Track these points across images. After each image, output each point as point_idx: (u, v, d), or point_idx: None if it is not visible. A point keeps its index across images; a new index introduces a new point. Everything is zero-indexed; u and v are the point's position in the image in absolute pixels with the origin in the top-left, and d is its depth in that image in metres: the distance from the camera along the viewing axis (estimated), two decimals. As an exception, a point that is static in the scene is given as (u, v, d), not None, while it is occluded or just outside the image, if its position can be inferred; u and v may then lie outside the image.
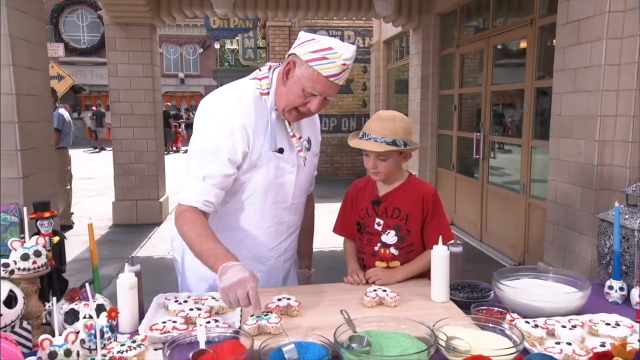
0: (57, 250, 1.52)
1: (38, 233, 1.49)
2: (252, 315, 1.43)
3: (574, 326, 1.39)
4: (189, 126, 21.01)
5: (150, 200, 7.16)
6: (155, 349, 1.37)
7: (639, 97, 3.33)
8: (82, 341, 1.27)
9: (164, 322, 1.44)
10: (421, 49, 7.22)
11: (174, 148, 20.01)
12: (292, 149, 1.76)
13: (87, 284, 1.34)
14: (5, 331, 1.26)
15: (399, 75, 9.58)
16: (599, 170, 3.55)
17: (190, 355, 1.23)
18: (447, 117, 6.98)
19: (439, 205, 1.87)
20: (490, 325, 1.35)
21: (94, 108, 21.68)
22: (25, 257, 1.35)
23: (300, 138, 1.77)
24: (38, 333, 1.40)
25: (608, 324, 1.39)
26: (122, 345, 1.28)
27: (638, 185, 1.70)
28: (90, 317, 1.35)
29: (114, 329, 1.35)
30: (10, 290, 1.28)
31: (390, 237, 1.85)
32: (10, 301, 1.28)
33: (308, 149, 1.83)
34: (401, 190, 1.87)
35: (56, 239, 1.51)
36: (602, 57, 3.46)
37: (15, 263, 1.34)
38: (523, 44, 5.25)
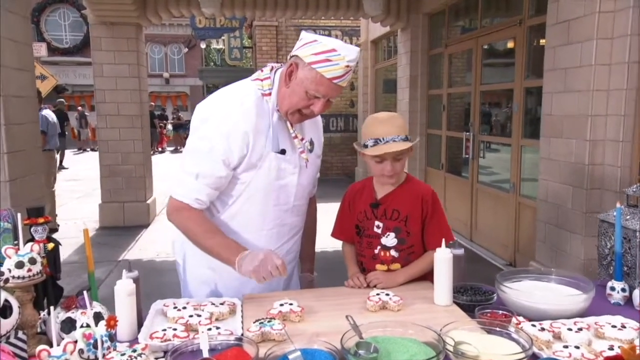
0: (52, 257, 1.48)
1: (32, 239, 1.44)
2: (254, 322, 1.40)
3: (580, 329, 1.38)
4: (178, 127, 20.85)
5: (138, 202, 7.07)
6: (156, 358, 1.33)
7: (629, 97, 3.36)
8: (81, 351, 1.23)
9: (164, 330, 1.40)
10: (409, 49, 7.23)
11: (159, 149, 19.82)
12: (294, 150, 1.73)
13: (85, 292, 1.30)
14: (0, 342, 1.21)
15: (387, 75, 9.59)
16: (590, 169, 3.57)
17: (194, 364, 1.20)
18: (436, 117, 7.00)
19: (438, 206, 1.85)
20: (497, 329, 1.33)
21: (79, 108, 21.38)
22: (19, 265, 1.30)
23: (302, 139, 1.74)
24: (33, 343, 1.35)
25: (614, 327, 1.39)
26: (123, 355, 1.24)
27: (638, 186, 1.70)
28: (88, 325, 1.31)
29: (113, 337, 1.31)
30: (5, 300, 1.24)
31: (390, 240, 1.83)
32: (5, 311, 1.24)
33: (310, 151, 1.81)
34: (399, 191, 1.85)
35: (51, 245, 1.46)
36: (593, 57, 3.48)
37: (10, 271, 1.29)
38: (512, 44, 5.27)
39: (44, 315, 1.44)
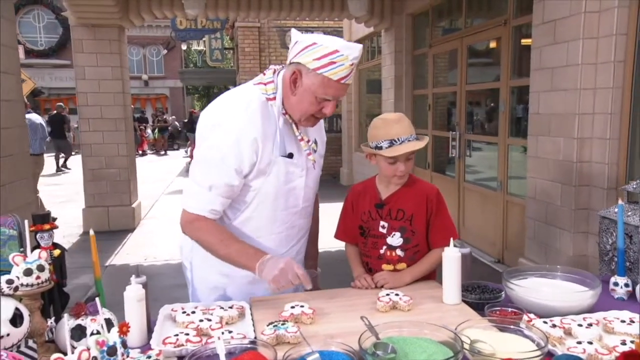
0: (58, 264, 1.45)
1: (38, 246, 1.41)
2: (268, 325, 1.39)
3: (590, 325, 1.40)
4: (163, 130, 20.65)
5: (123, 206, 6.97)
6: (170, 364, 1.31)
7: (616, 95, 3.43)
8: (94, 359, 1.21)
9: (176, 335, 1.38)
10: (394, 49, 7.27)
11: (140, 152, 19.59)
12: (301, 152, 1.72)
13: (97, 299, 1.28)
14: (11, 351, 1.18)
15: (370, 76, 9.63)
16: (579, 166, 3.63)
17: (212, 369, 1.18)
18: (421, 117, 7.05)
19: (443, 204, 1.87)
20: (512, 327, 1.34)
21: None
22: (28, 272, 1.27)
23: (308, 141, 1.73)
24: (42, 351, 1.33)
25: (623, 321, 1.41)
26: (138, 361, 1.22)
27: (638, 183, 1.74)
28: (98, 332, 1.29)
29: (125, 344, 1.29)
30: (16, 308, 1.21)
31: (395, 239, 1.83)
32: (15, 319, 1.21)
33: (315, 151, 1.80)
34: (404, 191, 1.86)
35: (57, 252, 1.43)
36: (579, 56, 3.55)
37: (19, 279, 1.26)
38: (497, 44, 5.34)
39: (51, 323, 1.41)
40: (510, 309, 1.50)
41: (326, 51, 1.54)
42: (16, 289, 1.24)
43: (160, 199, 9.36)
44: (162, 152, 20.22)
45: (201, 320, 1.48)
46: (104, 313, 1.39)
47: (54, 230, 1.45)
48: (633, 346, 1.25)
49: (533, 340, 1.29)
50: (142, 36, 25.24)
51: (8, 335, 1.16)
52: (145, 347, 1.37)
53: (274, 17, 7.41)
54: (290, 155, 1.68)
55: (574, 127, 3.62)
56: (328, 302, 1.63)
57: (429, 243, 1.87)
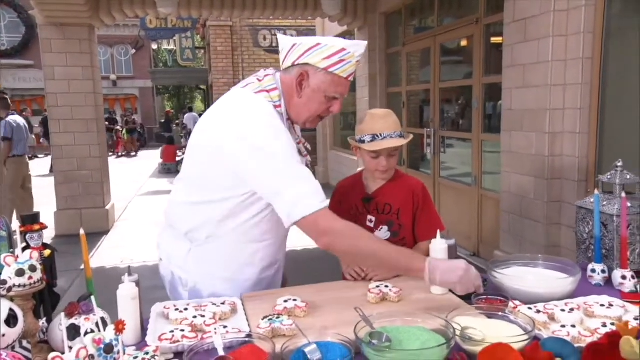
0: (49, 264, 1.44)
1: (27, 247, 1.40)
2: (263, 319, 1.41)
3: (572, 309, 1.46)
4: (132, 131, 20.34)
5: (96, 208, 6.85)
6: (167, 360, 1.32)
7: (584, 91, 3.55)
8: (91, 357, 1.21)
9: (172, 332, 1.39)
10: (367, 48, 7.31)
11: (117, 153, 19.35)
12: (300, 154, 1.74)
13: (92, 297, 1.27)
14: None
15: (344, 74, 9.66)
16: (550, 160, 3.75)
17: (211, 363, 1.19)
18: (396, 114, 7.11)
19: (428, 198, 1.92)
20: (499, 314, 1.39)
21: (24, 114, 20.44)
22: (20, 273, 1.26)
23: (304, 143, 1.76)
24: (35, 352, 1.32)
25: (602, 305, 1.48)
26: (135, 358, 1.23)
27: (613, 174, 1.81)
28: (93, 331, 1.28)
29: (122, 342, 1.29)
30: (10, 309, 1.20)
31: (383, 233, 1.87)
32: (9, 320, 1.20)
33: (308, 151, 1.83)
34: (390, 186, 1.90)
35: (47, 252, 1.42)
36: (549, 53, 3.66)
37: (11, 279, 1.25)
38: (469, 42, 5.45)
39: (43, 323, 1.40)
40: (496, 297, 1.55)
41: (334, 50, 1.56)
42: (9, 289, 1.23)
43: (133, 201, 9.23)
44: (133, 154, 19.92)
45: (195, 317, 1.48)
46: (98, 312, 1.39)
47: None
48: (613, 328, 1.31)
49: (520, 326, 1.34)
50: (110, 35, 24.75)
51: (4, 335, 1.14)
52: (141, 345, 1.37)
53: (248, 16, 7.39)
54: None
55: (545, 122, 3.73)
56: (319, 296, 1.65)
57: (415, 236, 1.92)
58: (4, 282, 1.22)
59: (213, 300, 1.63)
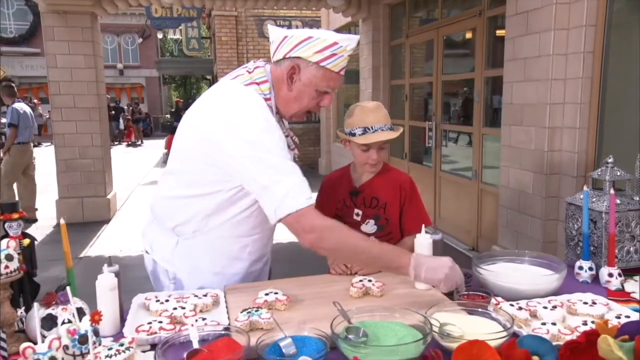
0: (28, 253, 1.43)
1: (6, 235, 1.39)
2: (242, 312, 1.40)
3: (555, 307, 1.44)
4: (137, 120, 20.46)
5: (97, 197, 6.87)
6: (143, 351, 1.32)
7: (585, 85, 3.51)
8: (66, 347, 1.20)
9: (150, 323, 1.39)
10: (371, 39, 7.28)
11: (127, 142, 19.51)
12: (289, 148, 1.72)
13: (68, 287, 1.27)
14: (-20, 342, 1.17)
15: (348, 66, 9.52)
16: (549, 155, 3.71)
17: (185, 355, 1.19)
18: (398, 107, 7.09)
19: (416, 193, 1.90)
20: (480, 310, 1.38)
21: (36, 101, 20.55)
22: (-4, 262, 1.25)
23: (293, 137, 1.74)
24: (12, 342, 1.31)
25: (585, 303, 1.46)
26: (110, 349, 1.22)
27: (603, 170, 1.79)
28: (70, 321, 1.28)
29: (97, 332, 1.29)
30: (-15, 298, 1.19)
31: (369, 227, 1.86)
32: (-15, 310, 1.20)
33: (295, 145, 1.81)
34: (378, 179, 1.89)
35: (26, 241, 1.41)
36: (551, 47, 3.61)
37: (-14, 268, 1.24)
38: (472, 35, 5.39)
39: (21, 312, 1.40)
40: (478, 293, 1.54)
41: (326, 43, 1.54)
42: (-15, 278, 1.22)
43: (136, 190, 9.26)
44: (139, 143, 20.00)
45: (175, 309, 1.48)
46: (76, 302, 1.39)
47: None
48: (594, 326, 1.30)
49: (500, 322, 1.33)
50: (117, 24, 24.77)
51: (-23, 325, 1.14)
52: (118, 336, 1.37)
53: (251, 6, 7.34)
54: None
55: (545, 116, 3.69)
56: (302, 289, 1.64)
57: (402, 231, 1.90)
58: (-21, 271, 1.21)
59: (195, 292, 1.62)
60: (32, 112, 7.10)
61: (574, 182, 3.57)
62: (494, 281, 1.59)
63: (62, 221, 1.44)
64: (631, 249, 1.75)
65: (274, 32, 1.62)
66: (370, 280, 1.64)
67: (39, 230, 6.29)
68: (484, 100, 5.08)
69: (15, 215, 1.39)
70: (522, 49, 3.92)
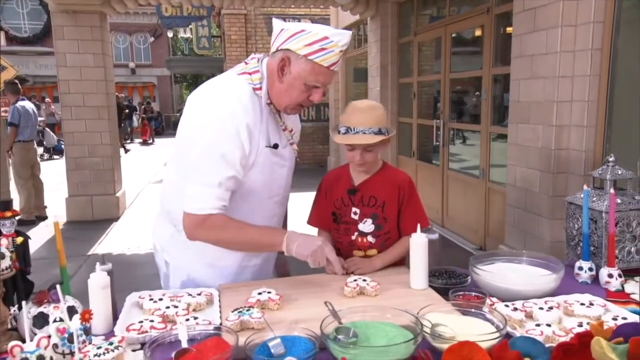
0: (21, 251, 1.44)
1: None
2: (233, 311, 1.40)
3: (551, 308, 1.42)
4: (149, 119, 20.63)
5: (106, 195, 6.92)
6: (133, 350, 1.32)
7: (593, 83, 3.45)
8: (55, 346, 1.21)
9: (141, 322, 1.39)
10: (379, 37, 7.25)
11: (143, 140, 19.70)
12: (284, 142, 1.72)
13: (57, 286, 1.27)
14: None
15: (357, 64, 9.60)
16: (557, 154, 3.66)
17: (173, 355, 1.18)
18: (406, 105, 7.06)
19: (414, 192, 1.88)
20: (473, 310, 1.36)
21: (48, 100, 20.78)
22: (-13, 260, 1.26)
23: (291, 131, 1.73)
24: (4, 340, 1.32)
25: (582, 304, 1.44)
26: (99, 348, 1.22)
27: (604, 169, 1.76)
28: (62, 320, 1.29)
29: (88, 331, 1.29)
30: (-25, 296, 1.20)
31: (367, 226, 1.84)
32: (-25, 308, 1.21)
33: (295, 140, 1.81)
34: (376, 178, 1.87)
35: (20, 239, 1.42)
36: (558, 44, 3.56)
37: (-22, 267, 1.25)
38: (480, 32, 5.34)
39: (14, 311, 1.41)
40: (473, 294, 1.52)
41: (317, 37, 1.54)
42: (-25, 276, 1.23)
43: (146, 188, 9.32)
44: (150, 141, 20.16)
45: (168, 307, 1.48)
46: (68, 301, 1.40)
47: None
48: (589, 327, 1.27)
49: (493, 323, 1.31)
50: (129, 23, 24.92)
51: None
52: (110, 334, 1.37)
53: (260, 4, 7.35)
54: (276, 146, 1.67)
55: (553, 114, 3.64)
56: (296, 288, 1.64)
57: (400, 230, 1.89)
58: (-30, 269, 1.22)
59: (190, 290, 1.62)
60: (35, 110, 7.14)
61: (581, 181, 3.50)
62: (489, 281, 1.56)
63: (55, 219, 1.44)
64: (632, 249, 1.72)
65: (276, 24, 1.64)
66: (365, 280, 1.62)
67: (49, 228, 6.35)
68: (491, 98, 5.03)
69: (8, 214, 1.40)
70: (529, 46, 3.87)
